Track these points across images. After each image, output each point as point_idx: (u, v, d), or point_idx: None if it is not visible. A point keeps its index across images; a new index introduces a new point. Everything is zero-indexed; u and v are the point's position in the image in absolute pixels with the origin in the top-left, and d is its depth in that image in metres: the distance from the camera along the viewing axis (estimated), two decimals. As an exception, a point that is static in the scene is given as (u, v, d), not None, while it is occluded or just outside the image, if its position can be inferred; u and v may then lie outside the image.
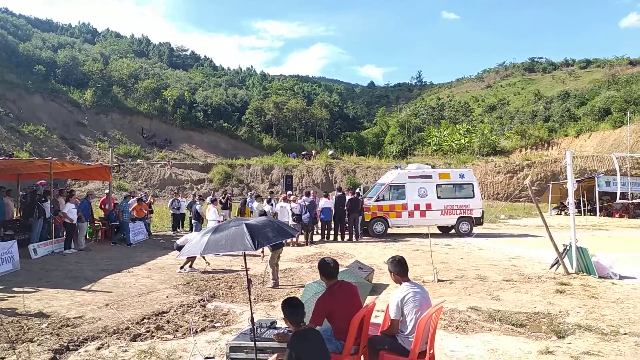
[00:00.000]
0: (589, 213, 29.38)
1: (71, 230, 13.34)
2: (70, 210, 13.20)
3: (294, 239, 14.55)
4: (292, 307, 3.82)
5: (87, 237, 15.81)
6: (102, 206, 16.91)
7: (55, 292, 8.43)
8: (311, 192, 17.75)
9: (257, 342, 4.25)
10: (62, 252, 12.74)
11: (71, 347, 5.78)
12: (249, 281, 4.53)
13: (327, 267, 4.37)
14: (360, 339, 4.24)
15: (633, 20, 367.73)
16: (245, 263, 4.50)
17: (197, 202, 16.28)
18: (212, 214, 14.28)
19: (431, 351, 4.22)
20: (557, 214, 30.02)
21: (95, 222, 16.02)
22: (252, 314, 4.33)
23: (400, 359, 4.13)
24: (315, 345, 3.74)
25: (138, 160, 43.92)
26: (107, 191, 17.51)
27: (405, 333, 4.15)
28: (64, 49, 71.46)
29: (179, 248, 10.46)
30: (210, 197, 19.80)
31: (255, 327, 4.41)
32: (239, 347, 4.37)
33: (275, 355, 4.05)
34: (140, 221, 16.33)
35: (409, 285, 4.28)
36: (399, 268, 4.34)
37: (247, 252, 4.39)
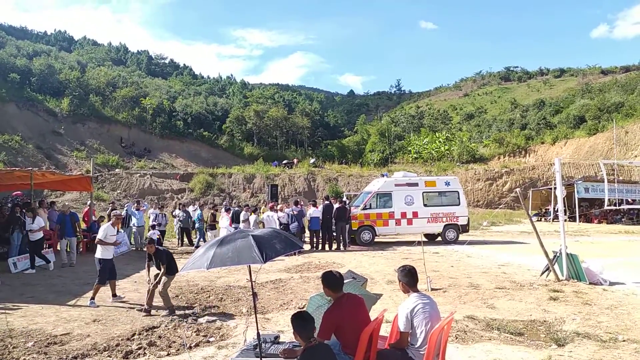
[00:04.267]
0: (568, 219, 29.86)
1: (35, 248, 12.06)
2: (38, 225, 12.04)
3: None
4: (302, 321, 3.69)
5: (68, 249, 15.36)
6: (85, 218, 16.45)
7: (39, 307, 8.11)
8: (299, 201, 17.60)
9: (262, 359, 4.10)
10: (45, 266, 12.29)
11: (60, 367, 5.54)
12: (255, 294, 4.37)
13: (335, 279, 4.26)
14: (369, 352, 4.13)
15: (603, 31, 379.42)
16: (251, 276, 4.35)
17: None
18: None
19: (442, 364, 4.13)
20: (538, 220, 30.42)
21: (77, 234, 15.54)
22: (257, 329, 4.17)
23: (411, 372, 4.03)
24: (327, 361, 3.63)
25: (117, 170, 43.16)
26: (88, 202, 17.07)
27: (416, 346, 4.05)
28: (40, 57, 70.16)
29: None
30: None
31: (259, 342, 4.26)
32: (244, 364, 4.21)
33: None
34: (123, 232, 15.94)
35: (418, 296, 4.19)
36: (409, 278, 4.25)
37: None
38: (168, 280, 8.09)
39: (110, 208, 18.73)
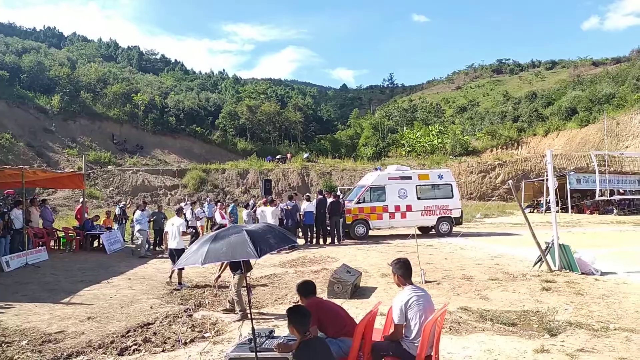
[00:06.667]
0: (560, 210, 30.08)
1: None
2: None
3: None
4: (299, 314, 3.71)
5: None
6: (78, 216, 16.36)
7: (33, 306, 8.07)
8: (293, 196, 17.58)
9: (257, 353, 4.11)
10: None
11: (55, 365, 5.53)
12: (249, 289, 4.38)
13: (307, 286, 4.62)
14: (364, 345, 4.16)
15: (594, 23, 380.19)
16: (245, 271, 4.35)
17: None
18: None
19: (436, 356, 4.17)
20: (530, 212, 30.62)
21: (69, 231, 15.47)
22: (252, 323, 4.18)
23: (406, 364, 4.06)
24: (323, 354, 3.65)
25: (109, 167, 42.87)
26: (80, 200, 16.98)
27: (410, 338, 4.08)
28: (29, 53, 69.21)
29: None
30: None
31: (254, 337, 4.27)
32: (239, 358, 4.23)
33: None
34: (117, 230, 15.90)
35: (412, 289, 4.22)
36: (403, 270, 4.28)
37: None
38: (239, 280, 7.16)
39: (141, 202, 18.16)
